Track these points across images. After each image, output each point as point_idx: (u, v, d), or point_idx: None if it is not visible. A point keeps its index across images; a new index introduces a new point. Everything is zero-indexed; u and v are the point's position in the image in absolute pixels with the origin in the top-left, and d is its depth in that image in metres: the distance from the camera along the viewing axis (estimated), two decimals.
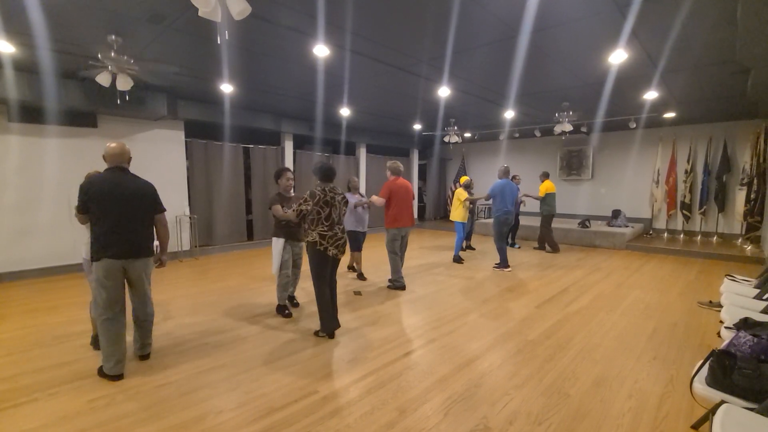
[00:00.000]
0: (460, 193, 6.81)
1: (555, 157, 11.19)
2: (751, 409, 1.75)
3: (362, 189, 9.36)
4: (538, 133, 9.44)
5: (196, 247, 7.48)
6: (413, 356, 3.19)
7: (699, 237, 9.10)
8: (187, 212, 7.36)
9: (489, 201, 6.72)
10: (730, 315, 2.94)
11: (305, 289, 4.79)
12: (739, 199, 8.06)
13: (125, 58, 4.08)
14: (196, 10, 2.52)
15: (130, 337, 3.04)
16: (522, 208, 8.43)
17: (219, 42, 3.43)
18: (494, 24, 3.68)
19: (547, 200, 7.84)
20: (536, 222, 8.58)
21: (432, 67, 5.02)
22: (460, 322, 3.97)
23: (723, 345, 2.33)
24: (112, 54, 4.03)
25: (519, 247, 8.47)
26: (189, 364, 3.03)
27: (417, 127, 10.03)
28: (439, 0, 3.25)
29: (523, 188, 8.43)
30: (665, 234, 9.57)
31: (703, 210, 8.90)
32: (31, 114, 5.60)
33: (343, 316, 3.98)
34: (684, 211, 9.16)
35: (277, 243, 3.98)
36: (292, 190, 4.20)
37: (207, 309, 4.34)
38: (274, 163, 8.74)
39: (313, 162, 9.23)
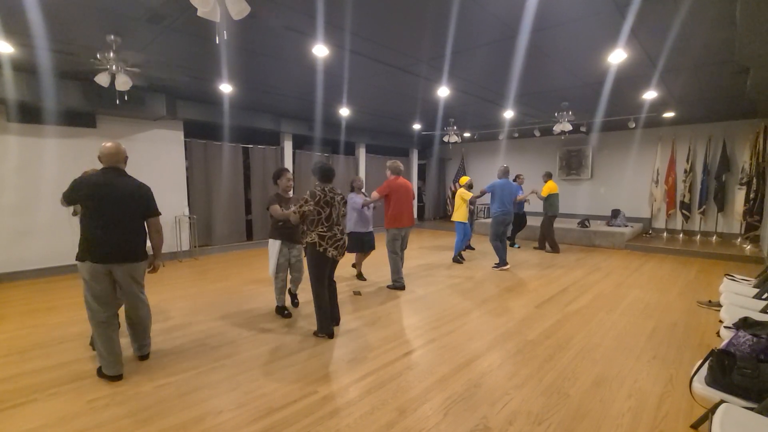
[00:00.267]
0: (464, 193, 6.74)
1: (554, 156, 11.19)
2: (751, 409, 1.75)
3: (363, 189, 9.32)
4: (537, 133, 9.44)
5: (195, 247, 7.47)
6: (413, 356, 3.19)
7: (698, 236, 9.10)
8: (187, 212, 7.35)
9: (482, 196, 6.74)
10: (729, 314, 2.94)
11: (305, 290, 4.78)
12: (739, 198, 8.07)
13: (125, 59, 4.08)
14: (195, 10, 2.52)
15: (129, 337, 3.04)
16: (527, 207, 8.41)
17: (218, 42, 3.43)
18: (494, 24, 3.68)
19: (550, 200, 7.85)
20: (537, 222, 8.58)
21: (431, 67, 5.02)
22: (459, 322, 3.97)
23: (722, 344, 2.33)
24: (112, 54, 4.03)
25: (519, 247, 8.47)
26: (188, 364, 3.03)
27: (416, 126, 10.03)
28: (438, 0, 3.25)
29: (526, 188, 8.42)
30: (665, 233, 9.58)
31: (702, 209, 8.91)
32: (30, 114, 5.59)
33: (343, 317, 3.98)
34: (683, 211, 9.17)
35: (274, 245, 3.95)
36: (291, 191, 4.19)
37: (206, 309, 4.33)
38: (274, 163, 8.74)
39: (312, 162, 9.22)
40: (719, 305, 3.41)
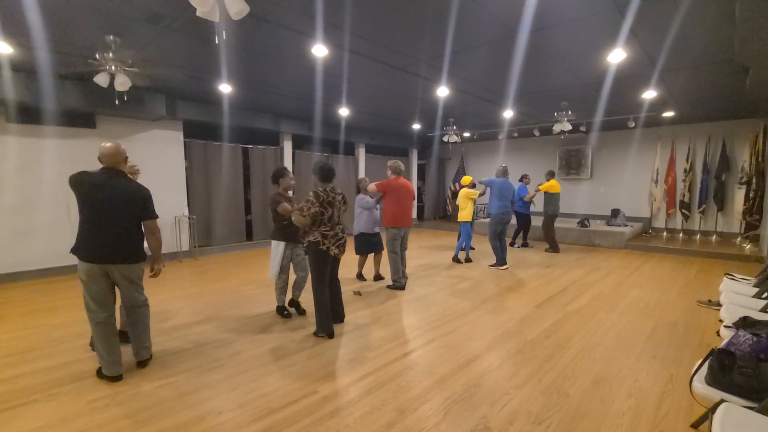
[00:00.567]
0: (471, 192, 6.66)
1: (554, 156, 11.19)
2: (751, 408, 1.75)
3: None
4: (537, 133, 9.44)
5: (195, 247, 7.47)
6: (413, 356, 3.19)
7: (698, 236, 9.11)
8: (186, 213, 7.35)
9: (482, 189, 6.75)
10: (729, 314, 2.94)
11: (305, 290, 4.77)
12: (738, 197, 8.07)
13: (125, 59, 4.08)
14: (194, 10, 2.52)
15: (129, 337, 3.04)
16: (532, 208, 8.36)
17: (217, 42, 3.43)
18: (493, 24, 3.68)
19: (551, 200, 7.83)
20: (538, 222, 8.57)
21: (431, 67, 5.02)
22: (459, 321, 3.97)
23: (722, 344, 2.33)
24: (111, 54, 4.03)
25: (518, 247, 8.48)
26: (188, 364, 3.03)
27: (416, 126, 10.02)
28: (438, 0, 3.25)
29: (532, 189, 8.38)
30: (664, 233, 9.58)
31: (702, 209, 8.91)
32: (30, 114, 5.58)
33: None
34: (683, 210, 9.17)
35: (278, 246, 3.92)
36: (291, 191, 4.19)
37: (206, 309, 4.33)
38: (273, 164, 8.73)
39: (312, 162, 9.22)
40: (719, 304, 3.41)
